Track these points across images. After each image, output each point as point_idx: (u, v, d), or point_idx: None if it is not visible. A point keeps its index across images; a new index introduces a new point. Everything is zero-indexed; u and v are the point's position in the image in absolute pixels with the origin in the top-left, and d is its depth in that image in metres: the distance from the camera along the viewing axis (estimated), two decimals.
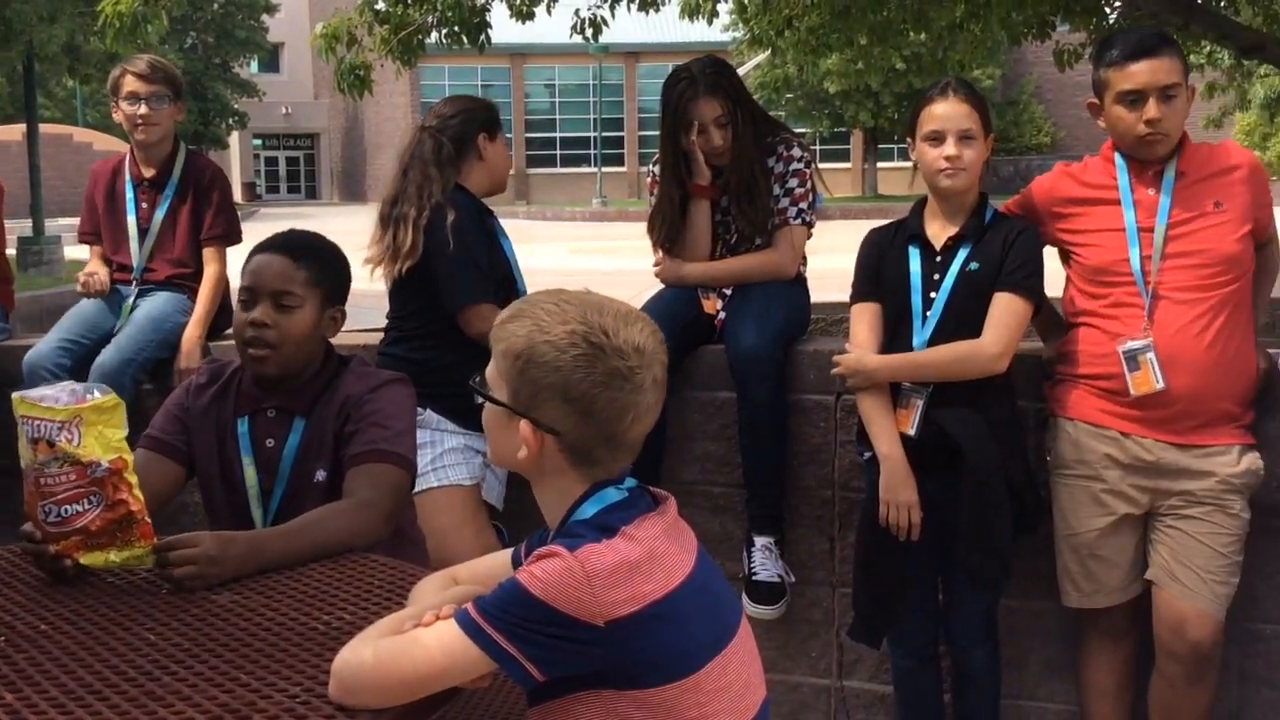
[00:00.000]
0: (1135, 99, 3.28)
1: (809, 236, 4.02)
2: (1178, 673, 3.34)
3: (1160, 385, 3.24)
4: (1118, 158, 3.42)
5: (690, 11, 9.28)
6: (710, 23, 9.61)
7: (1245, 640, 3.64)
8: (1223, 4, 9.40)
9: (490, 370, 2.02)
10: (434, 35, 7.70)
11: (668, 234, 4.01)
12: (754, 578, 3.81)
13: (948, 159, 3.33)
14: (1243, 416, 3.36)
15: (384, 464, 2.84)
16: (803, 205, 3.94)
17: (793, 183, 3.94)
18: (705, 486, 4.03)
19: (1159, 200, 3.33)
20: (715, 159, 3.92)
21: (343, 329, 3.10)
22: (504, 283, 3.83)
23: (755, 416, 3.78)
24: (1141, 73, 3.26)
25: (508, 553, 2.25)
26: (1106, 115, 3.37)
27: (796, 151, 3.97)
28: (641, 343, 1.97)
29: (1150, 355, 3.25)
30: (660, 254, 4.06)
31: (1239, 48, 9.09)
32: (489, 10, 7.65)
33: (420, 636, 1.89)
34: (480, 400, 2.04)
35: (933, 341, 3.36)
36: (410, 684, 1.88)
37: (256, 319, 2.91)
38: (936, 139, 3.35)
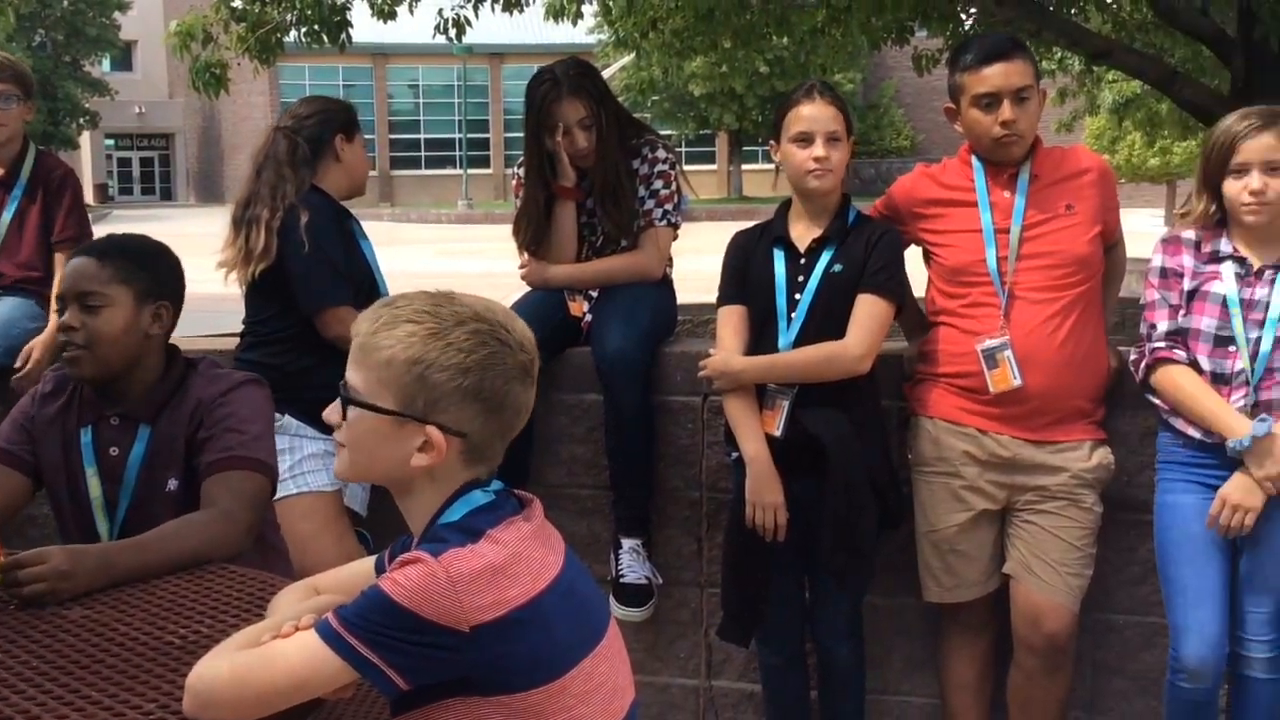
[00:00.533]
0: (990, 101, 3.35)
1: (675, 238, 4.03)
2: (1034, 664, 3.42)
3: (1018, 382, 3.32)
4: (974, 160, 3.49)
5: (555, 13, 9.27)
6: (575, 24, 9.62)
7: (1098, 631, 3.73)
8: (1073, 11, 9.67)
9: (363, 380, 1.94)
10: (293, 34, 7.57)
11: (533, 236, 3.99)
12: (621, 580, 3.81)
13: (816, 160, 3.36)
14: (1094, 413, 3.45)
15: (242, 470, 2.77)
16: (668, 207, 3.95)
17: (658, 184, 3.95)
18: (572, 489, 4.02)
19: (1014, 202, 3.40)
20: (580, 160, 3.91)
21: (203, 335, 3.02)
22: (363, 285, 3.78)
23: (621, 419, 3.78)
24: (995, 76, 3.34)
25: (370, 560, 2.21)
26: (963, 118, 3.44)
27: (661, 153, 3.98)
28: (530, 338, 1.99)
29: (1008, 353, 3.32)
30: (526, 256, 4.04)
31: (1089, 53, 9.36)
32: (349, 9, 7.55)
33: (279, 648, 1.85)
34: (352, 413, 1.97)
35: (798, 343, 3.39)
36: (268, 697, 1.83)
37: (65, 323, 2.85)
38: (805, 140, 3.37)
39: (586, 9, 9.53)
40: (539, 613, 1.87)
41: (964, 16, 9.50)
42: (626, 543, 3.82)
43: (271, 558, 2.94)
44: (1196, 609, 3.22)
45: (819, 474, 3.32)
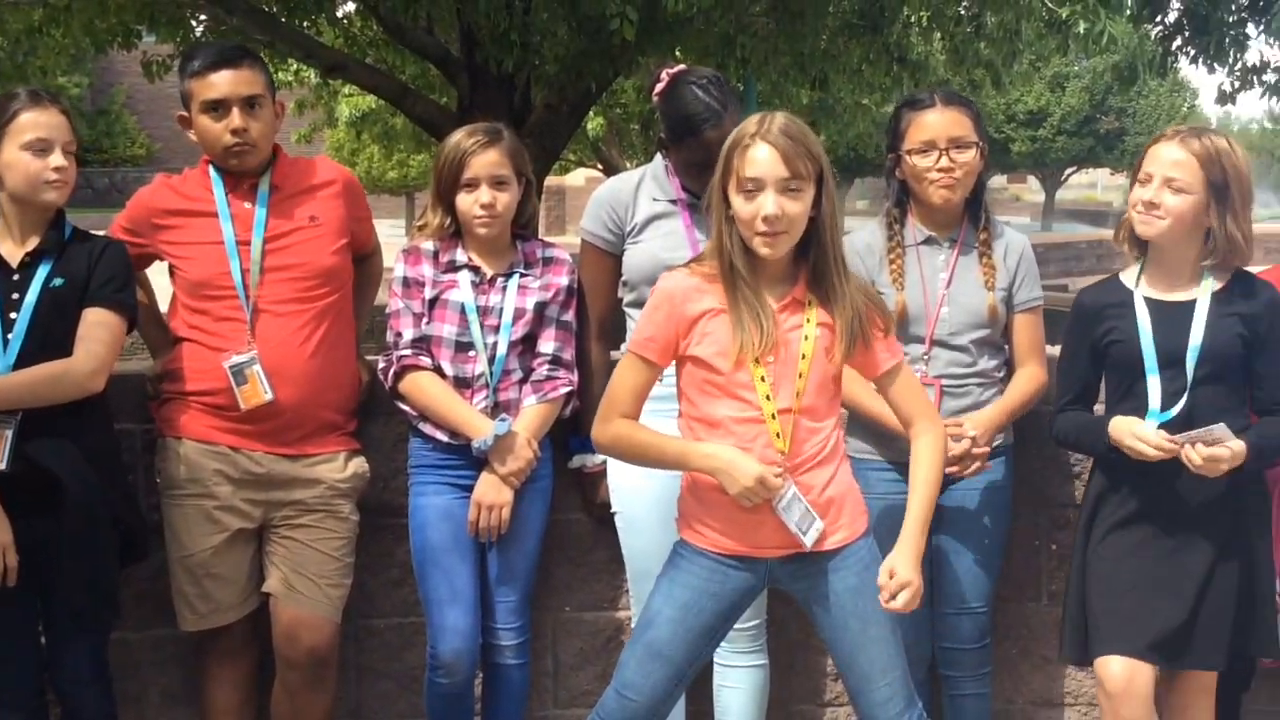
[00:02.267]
0: (218, 109, 3.29)
1: None
2: (297, 680, 3.39)
3: (269, 397, 3.27)
4: (212, 170, 3.39)
5: None
6: None
7: (362, 636, 3.78)
8: (306, 25, 9.81)
9: None
10: None
11: None
12: None
13: (57, 170, 3.12)
14: (346, 424, 3.49)
15: None
16: None
17: None
18: None
19: (255, 214, 3.35)
20: None
21: None
22: None
23: None
24: (223, 83, 3.28)
25: None
26: (195, 126, 3.35)
27: None
28: None
29: (256, 368, 3.26)
30: None
31: (323, 67, 9.54)
32: None
33: None
34: None
35: (19, 365, 3.09)
36: None
37: None
38: (43, 149, 3.11)
39: None
40: None
41: (194, 23, 9.33)
42: None
43: None
44: (451, 606, 3.35)
45: (52, 508, 3.06)
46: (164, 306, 3.53)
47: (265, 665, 3.48)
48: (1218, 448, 3.01)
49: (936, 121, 3.34)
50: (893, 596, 2.80)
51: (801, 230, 2.76)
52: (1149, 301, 3.23)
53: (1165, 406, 3.16)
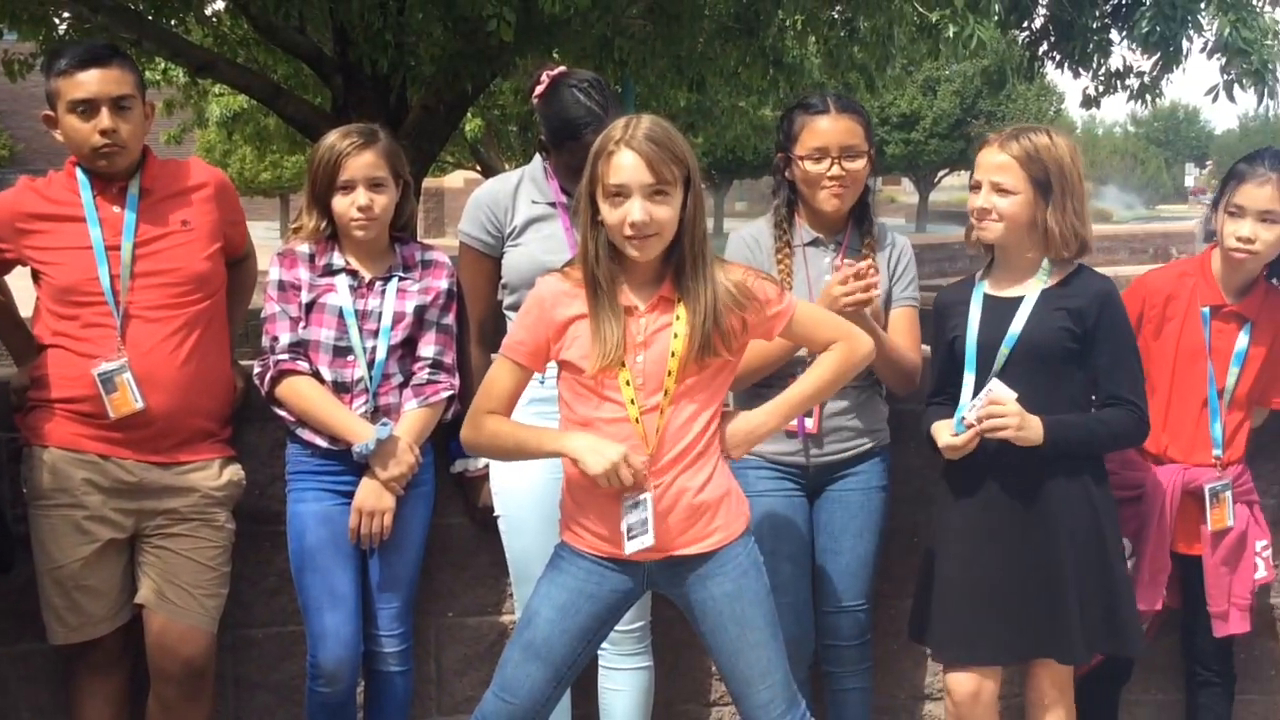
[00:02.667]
0: (86, 108, 3.20)
1: None
2: (172, 693, 3.32)
3: (140, 405, 3.19)
4: (79, 173, 3.30)
5: None
6: None
7: (239, 647, 3.71)
8: (174, 23, 9.61)
9: None
10: None
11: None
12: None
13: None
14: (220, 432, 3.42)
15: None
16: None
17: None
18: None
19: (125, 217, 3.26)
20: None
21: None
22: None
23: None
24: (92, 82, 3.19)
25: None
26: (61, 126, 3.26)
27: None
28: None
29: (127, 375, 3.19)
30: None
31: (192, 66, 9.36)
32: None
33: None
34: None
35: None
36: None
37: None
38: None
39: None
40: None
41: (57, 20, 9.08)
42: None
43: None
44: (331, 613, 3.30)
45: None
46: (25, 311, 3.42)
47: (139, 678, 3.40)
48: (998, 396, 3.13)
49: (830, 129, 3.35)
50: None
51: (674, 231, 2.76)
52: (986, 298, 3.31)
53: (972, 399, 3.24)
